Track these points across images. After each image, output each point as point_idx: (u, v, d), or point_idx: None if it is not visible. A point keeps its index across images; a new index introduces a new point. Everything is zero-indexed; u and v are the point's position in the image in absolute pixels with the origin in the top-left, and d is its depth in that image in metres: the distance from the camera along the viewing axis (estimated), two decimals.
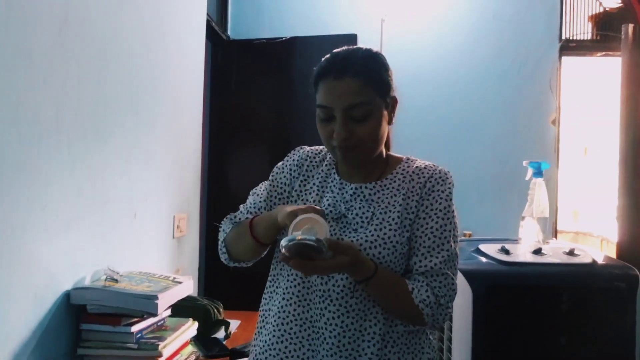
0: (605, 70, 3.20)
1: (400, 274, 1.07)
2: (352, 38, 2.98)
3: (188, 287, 1.53)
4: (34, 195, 1.19)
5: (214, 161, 3.12)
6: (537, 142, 3.24)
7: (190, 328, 1.54)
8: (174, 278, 1.51)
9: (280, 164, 1.24)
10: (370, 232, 1.07)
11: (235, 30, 3.30)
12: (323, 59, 1.10)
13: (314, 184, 1.17)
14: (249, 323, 1.98)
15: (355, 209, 1.11)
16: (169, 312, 1.49)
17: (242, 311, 2.08)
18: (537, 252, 1.71)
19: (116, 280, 1.38)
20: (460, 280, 1.61)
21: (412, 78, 3.26)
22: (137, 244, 1.73)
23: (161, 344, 1.34)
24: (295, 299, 1.10)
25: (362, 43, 3.06)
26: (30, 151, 1.17)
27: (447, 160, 3.56)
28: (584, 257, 1.68)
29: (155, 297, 1.31)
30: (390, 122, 1.14)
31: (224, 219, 1.25)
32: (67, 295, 1.31)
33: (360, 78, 1.04)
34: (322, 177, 1.18)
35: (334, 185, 1.15)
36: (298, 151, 1.24)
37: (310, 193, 1.16)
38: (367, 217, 1.09)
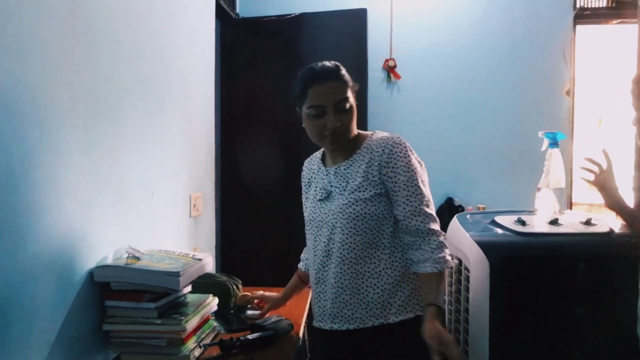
0: (621, 39, 3.12)
1: (377, 218, 1.37)
2: (361, 13, 2.94)
3: (208, 264, 1.55)
4: (53, 177, 1.20)
5: (226, 141, 3.12)
6: (550, 114, 3.19)
7: (211, 304, 1.57)
8: (194, 255, 1.54)
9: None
10: (345, 197, 1.39)
11: (243, 8, 3.27)
12: (300, 75, 1.41)
13: (312, 184, 1.54)
14: None
15: (335, 185, 1.43)
16: (189, 288, 1.52)
17: (260, 287, 2.11)
18: (554, 222, 1.71)
19: (138, 258, 1.41)
20: (477, 252, 1.62)
21: (423, 53, 3.22)
22: (155, 223, 1.75)
23: (184, 319, 1.37)
24: (312, 251, 1.49)
25: (372, 17, 3.03)
26: (49, 134, 1.19)
27: (458, 136, 3.49)
28: (600, 227, 1.68)
29: (178, 274, 1.34)
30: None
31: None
32: (90, 274, 1.34)
33: (339, 80, 1.37)
34: (315, 174, 1.53)
35: (321, 173, 1.50)
36: (304, 164, 1.61)
37: (310, 191, 1.54)
38: (343, 187, 1.42)
